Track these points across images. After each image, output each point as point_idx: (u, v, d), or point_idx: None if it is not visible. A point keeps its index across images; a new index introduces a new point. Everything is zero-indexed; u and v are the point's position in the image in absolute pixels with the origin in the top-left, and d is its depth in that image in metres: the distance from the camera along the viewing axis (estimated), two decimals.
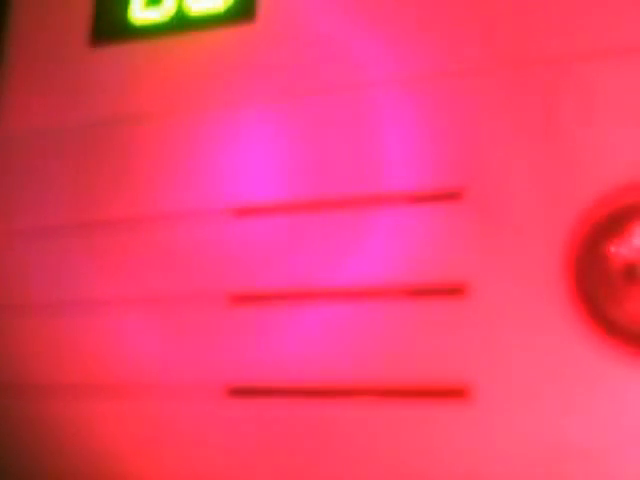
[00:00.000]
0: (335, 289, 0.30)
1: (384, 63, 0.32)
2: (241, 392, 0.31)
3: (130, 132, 0.35)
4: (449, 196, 0.30)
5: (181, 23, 0.36)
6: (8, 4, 0.40)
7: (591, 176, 0.28)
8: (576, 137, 0.29)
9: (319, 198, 0.31)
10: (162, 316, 0.33)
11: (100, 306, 0.34)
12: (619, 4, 0.29)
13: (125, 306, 0.33)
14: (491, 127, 0.30)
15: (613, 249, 0.28)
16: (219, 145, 0.34)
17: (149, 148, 0.35)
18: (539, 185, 0.29)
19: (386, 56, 0.32)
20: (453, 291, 0.29)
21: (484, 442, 0.28)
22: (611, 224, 0.28)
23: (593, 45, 0.29)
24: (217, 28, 0.35)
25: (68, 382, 0.34)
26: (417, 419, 0.28)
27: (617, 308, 0.27)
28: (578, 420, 0.27)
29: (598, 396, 0.27)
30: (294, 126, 0.33)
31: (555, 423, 0.27)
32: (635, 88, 0.28)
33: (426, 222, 0.30)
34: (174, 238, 0.33)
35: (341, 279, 0.30)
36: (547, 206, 0.28)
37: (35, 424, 0.34)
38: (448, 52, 0.31)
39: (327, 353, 0.30)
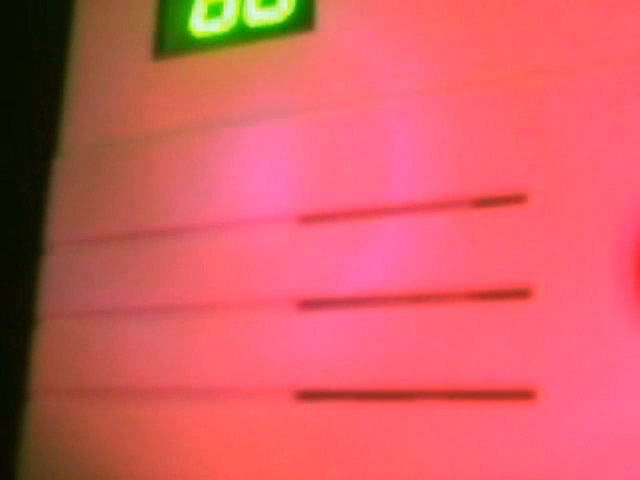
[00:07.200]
0: (400, 293, 0.31)
1: (444, 70, 0.32)
2: (309, 395, 0.32)
3: (194, 143, 0.36)
4: (514, 199, 0.30)
5: (241, 34, 0.36)
6: (72, 20, 0.41)
7: None
8: None
9: (386, 203, 0.32)
10: (231, 321, 0.33)
11: (172, 312, 0.35)
12: None
13: (195, 312, 0.34)
14: (556, 130, 0.30)
15: None
16: (283, 153, 0.34)
17: (215, 158, 0.35)
18: (604, 187, 0.29)
19: (446, 63, 0.32)
20: (519, 293, 0.29)
21: (552, 443, 0.28)
22: None
23: None
24: (276, 38, 0.36)
25: (141, 386, 0.34)
26: (484, 421, 0.29)
27: None
28: None
29: None
30: (365, 132, 0.33)
31: (623, 423, 0.27)
32: None
33: (492, 225, 0.30)
34: (243, 245, 0.34)
35: (405, 283, 0.31)
36: (612, 208, 0.28)
37: (113, 427, 0.35)
38: (518, 55, 0.31)
39: (393, 356, 0.30)
